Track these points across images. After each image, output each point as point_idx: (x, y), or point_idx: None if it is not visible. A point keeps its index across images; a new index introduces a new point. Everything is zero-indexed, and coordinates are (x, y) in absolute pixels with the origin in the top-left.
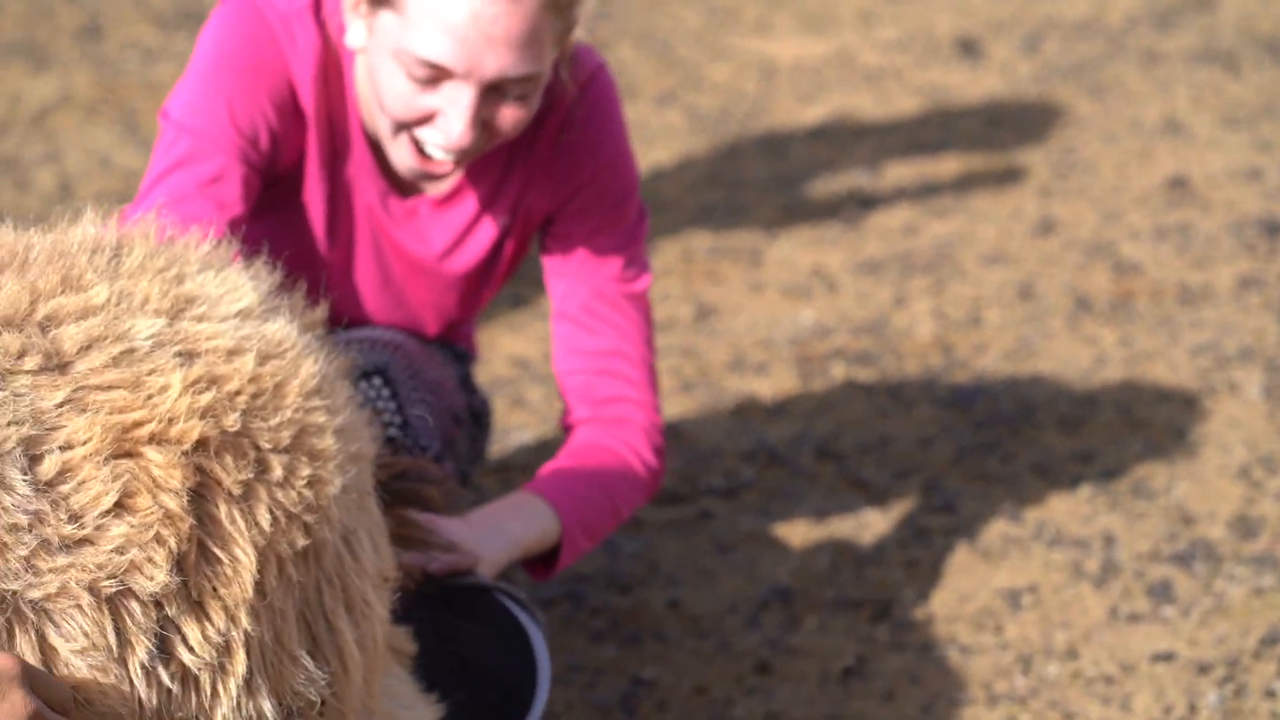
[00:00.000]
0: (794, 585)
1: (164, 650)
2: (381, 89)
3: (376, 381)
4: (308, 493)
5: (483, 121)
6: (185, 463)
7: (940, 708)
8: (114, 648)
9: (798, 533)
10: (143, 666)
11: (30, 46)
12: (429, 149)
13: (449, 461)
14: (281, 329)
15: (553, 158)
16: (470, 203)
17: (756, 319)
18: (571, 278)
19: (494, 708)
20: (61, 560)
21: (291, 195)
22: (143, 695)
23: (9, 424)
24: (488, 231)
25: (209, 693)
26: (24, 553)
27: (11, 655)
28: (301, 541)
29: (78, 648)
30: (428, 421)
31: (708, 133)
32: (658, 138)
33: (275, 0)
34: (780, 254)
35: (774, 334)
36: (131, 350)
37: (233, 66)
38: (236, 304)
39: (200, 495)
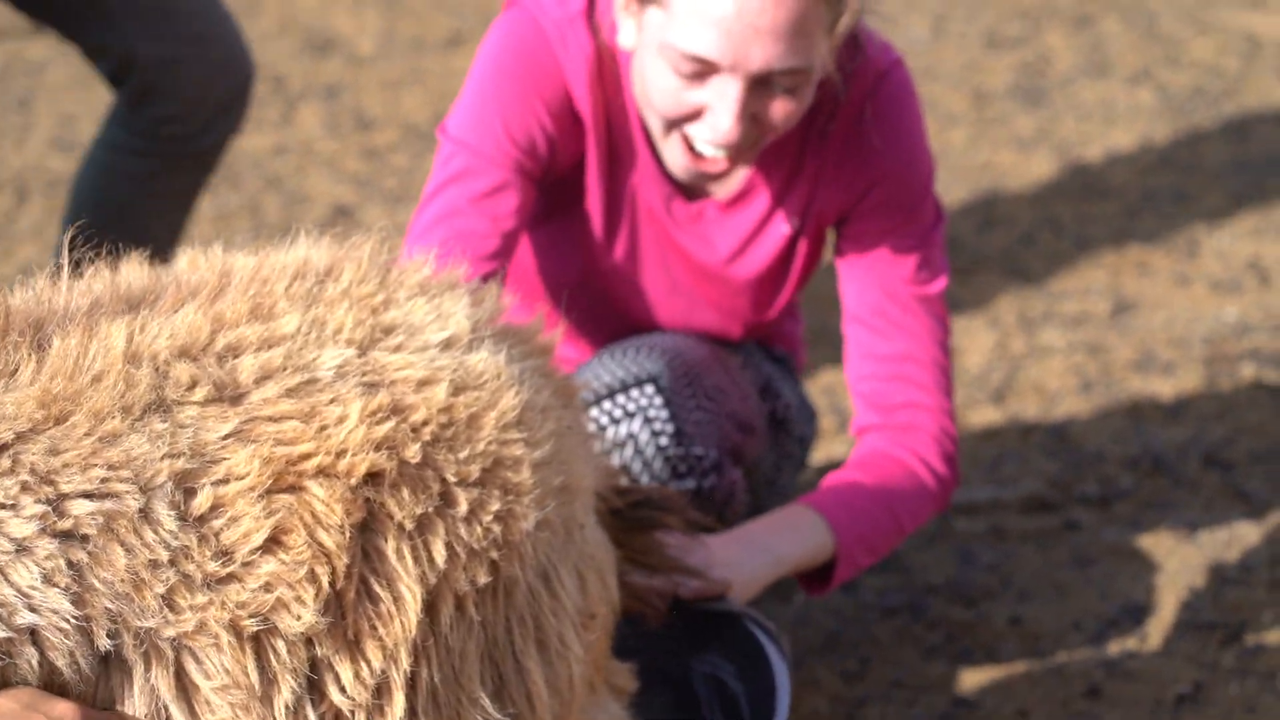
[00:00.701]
0: (1147, 604)
1: (313, 690)
2: (650, 86)
3: (649, 390)
4: (496, 528)
5: (752, 115)
6: (351, 497)
7: None
8: (257, 686)
9: (1163, 547)
10: (288, 706)
11: None
12: (700, 146)
13: (733, 469)
14: (485, 359)
15: (845, 156)
16: (759, 204)
17: (1176, 315)
18: (863, 280)
19: None
20: (202, 598)
21: (571, 202)
22: None
23: (163, 457)
24: (777, 233)
25: None
26: (161, 590)
27: (74, 705)
28: (484, 579)
29: (217, 685)
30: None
31: (1173, 113)
32: (1121, 118)
33: (549, 8)
34: (1218, 245)
35: (1190, 331)
36: (312, 381)
37: (507, 77)
38: (440, 333)
39: (368, 529)
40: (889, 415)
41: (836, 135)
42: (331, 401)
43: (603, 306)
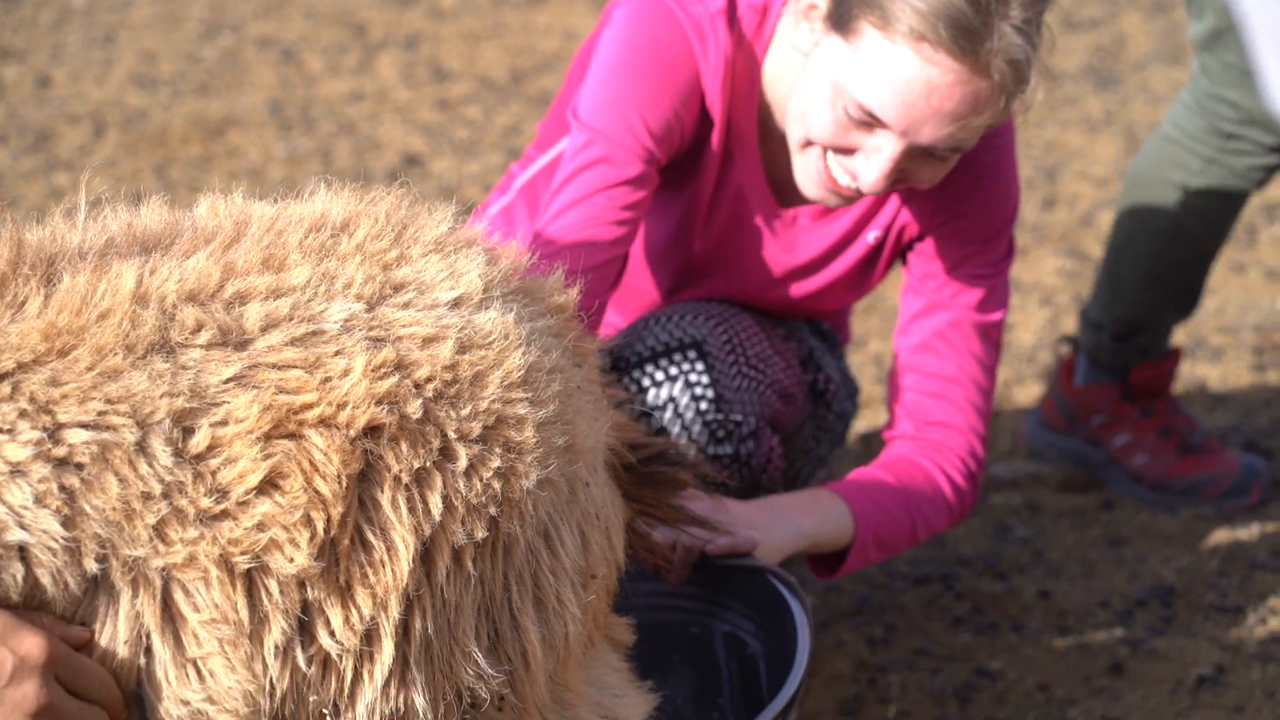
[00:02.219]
0: (1175, 585)
1: (303, 632)
2: (809, 108)
3: (691, 355)
4: (496, 484)
5: (901, 170)
6: (350, 448)
7: None
8: (246, 623)
9: (1198, 530)
10: (277, 645)
11: None
12: (837, 174)
13: (771, 437)
14: (494, 319)
15: (939, 182)
16: (848, 217)
17: (1228, 301)
18: (929, 299)
19: (760, 693)
20: (193, 532)
21: (679, 180)
22: (275, 674)
23: (163, 395)
24: (860, 246)
25: (349, 679)
26: (152, 521)
27: (44, 640)
28: (482, 533)
29: (205, 619)
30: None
31: None
32: None
33: (689, 1)
34: (1276, 234)
35: (1242, 319)
36: (318, 332)
37: (645, 70)
38: (450, 291)
39: (366, 479)
40: (923, 429)
41: None
42: (337, 354)
43: (673, 282)
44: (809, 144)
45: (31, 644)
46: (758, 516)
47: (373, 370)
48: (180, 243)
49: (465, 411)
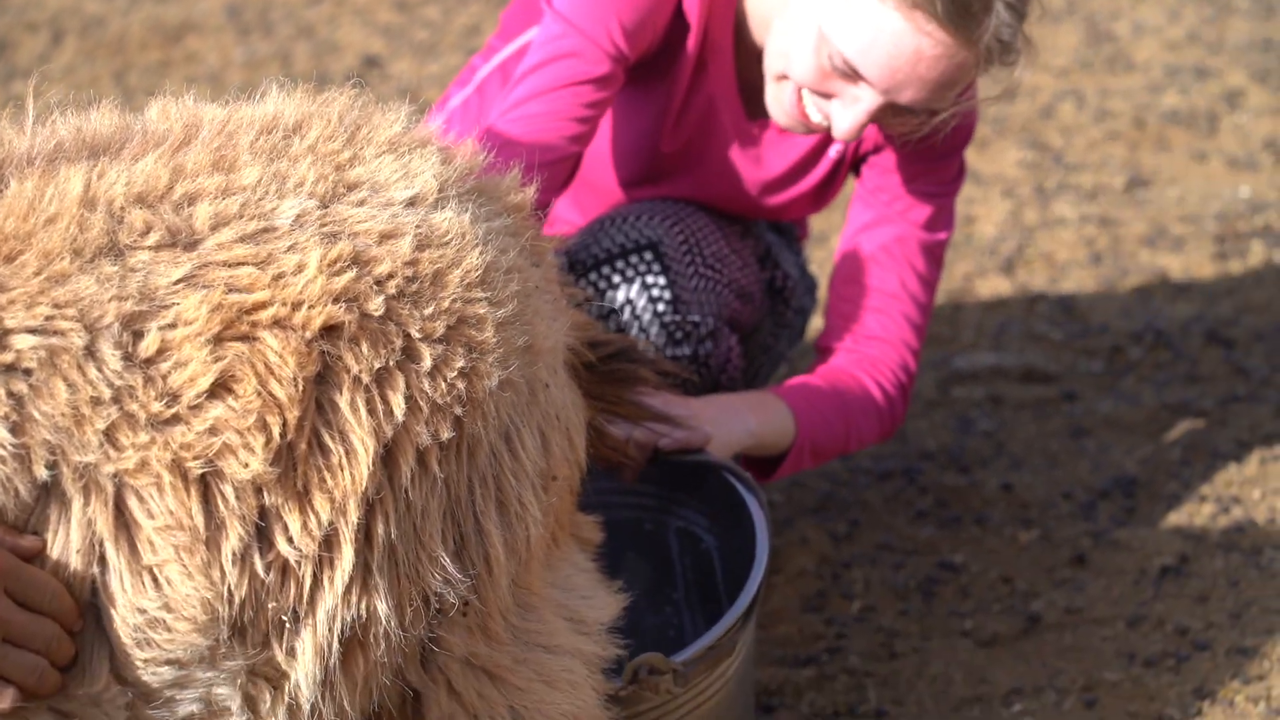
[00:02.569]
0: (1138, 476)
1: (261, 539)
2: (791, 48)
3: (648, 256)
4: (460, 384)
5: (874, 119)
6: (305, 350)
7: (1251, 615)
8: (201, 529)
9: (1159, 421)
10: (234, 552)
11: None
12: (810, 111)
13: (729, 336)
14: (450, 218)
15: None
16: (813, 136)
17: (1190, 190)
18: (878, 211)
19: (715, 588)
20: (144, 437)
21: (649, 82)
22: (233, 581)
23: (111, 299)
24: (824, 163)
25: (309, 586)
26: (102, 426)
27: None
28: (447, 434)
29: (160, 525)
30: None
31: None
32: None
33: None
34: (1238, 122)
35: (1204, 208)
36: (269, 229)
37: None
38: (405, 191)
39: (324, 381)
40: (860, 343)
41: None
42: (289, 249)
43: (633, 181)
44: (785, 77)
45: None
46: (710, 411)
47: (328, 265)
48: (130, 146)
49: (428, 311)
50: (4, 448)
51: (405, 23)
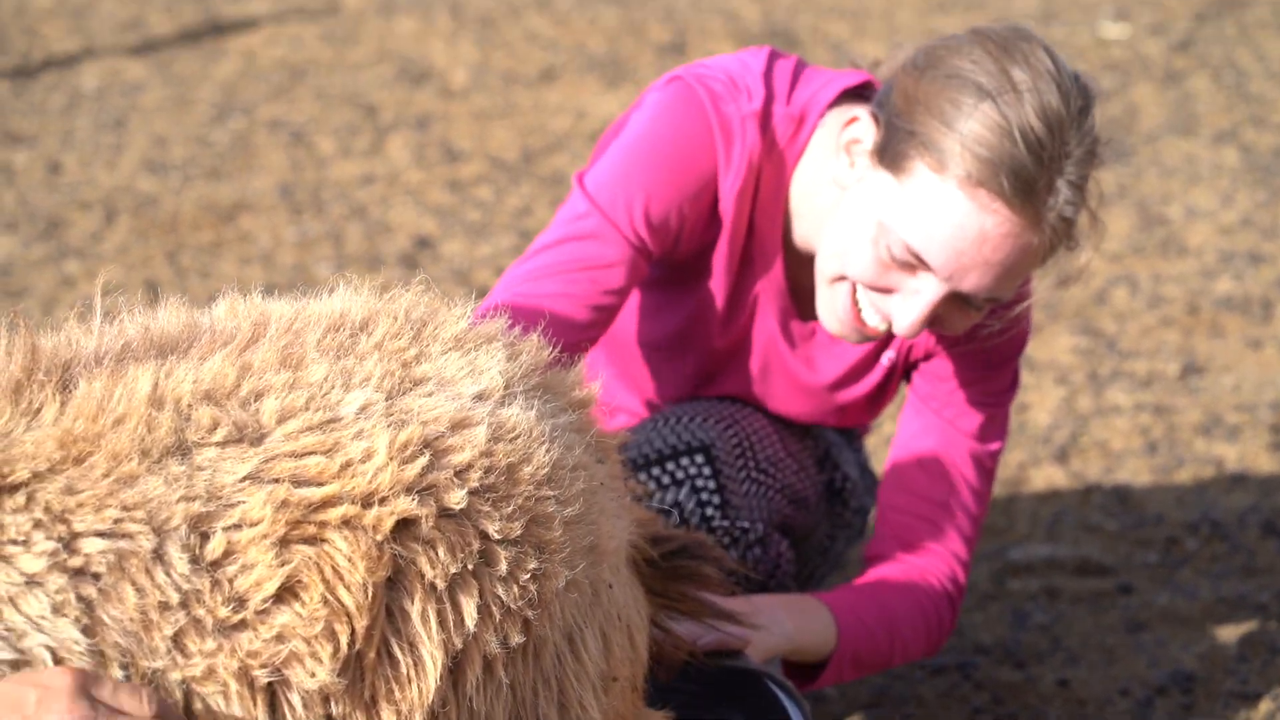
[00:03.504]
0: (1196, 671)
1: None
2: (848, 245)
3: (699, 459)
4: (531, 588)
5: (936, 316)
6: (376, 553)
7: None
8: None
9: (1216, 615)
10: None
11: (613, 61)
12: (868, 314)
13: (780, 542)
14: (518, 415)
15: None
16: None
17: (1245, 378)
18: (927, 419)
19: None
20: (211, 644)
21: (691, 279)
22: None
23: (179, 500)
24: (879, 367)
25: None
26: (170, 632)
27: (69, 668)
28: (516, 639)
29: None
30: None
31: (1257, 174)
32: (1204, 176)
33: (721, 97)
34: None
35: (1259, 396)
36: (335, 419)
37: (659, 161)
38: (473, 386)
39: (394, 586)
40: (910, 553)
41: None
42: (356, 435)
43: (690, 376)
44: (841, 279)
45: (56, 674)
46: (749, 614)
47: (399, 450)
48: (198, 345)
49: (507, 509)
50: (79, 645)
51: (457, 203)
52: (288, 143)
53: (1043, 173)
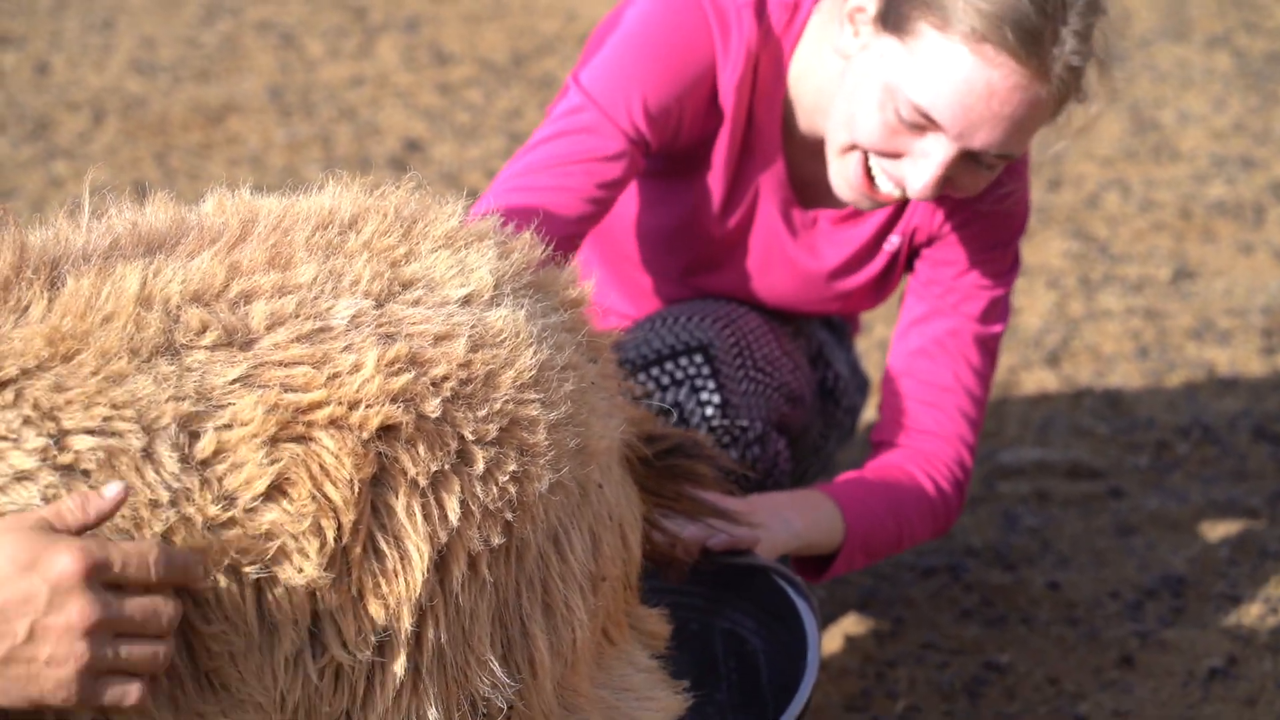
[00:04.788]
0: (1186, 575)
1: (314, 643)
2: (857, 111)
3: (698, 359)
4: (511, 489)
5: (948, 178)
6: (363, 451)
7: None
8: (256, 634)
9: (1206, 518)
10: (288, 657)
11: None
12: (880, 180)
13: (777, 440)
14: (505, 316)
15: None
16: (871, 222)
17: (1236, 283)
18: (932, 304)
19: (760, 691)
20: (201, 540)
21: (692, 170)
22: (285, 686)
23: (168, 399)
24: (882, 253)
25: (362, 690)
26: (160, 529)
27: (79, 547)
28: (498, 539)
29: (216, 630)
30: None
31: (1250, 79)
32: (1196, 81)
33: None
34: None
35: (1250, 301)
36: (325, 329)
37: (656, 52)
38: (461, 289)
39: (379, 483)
40: (913, 437)
41: None
42: (345, 349)
43: (685, 268)
44: (852, 148)
45: (63, 562)
46: (755, 513)
47: (385, 365)
48: (186, 242)
49: (482, 413)
50: None
51: (447, 106)
52: (276, 44)
53: (1046, 22)
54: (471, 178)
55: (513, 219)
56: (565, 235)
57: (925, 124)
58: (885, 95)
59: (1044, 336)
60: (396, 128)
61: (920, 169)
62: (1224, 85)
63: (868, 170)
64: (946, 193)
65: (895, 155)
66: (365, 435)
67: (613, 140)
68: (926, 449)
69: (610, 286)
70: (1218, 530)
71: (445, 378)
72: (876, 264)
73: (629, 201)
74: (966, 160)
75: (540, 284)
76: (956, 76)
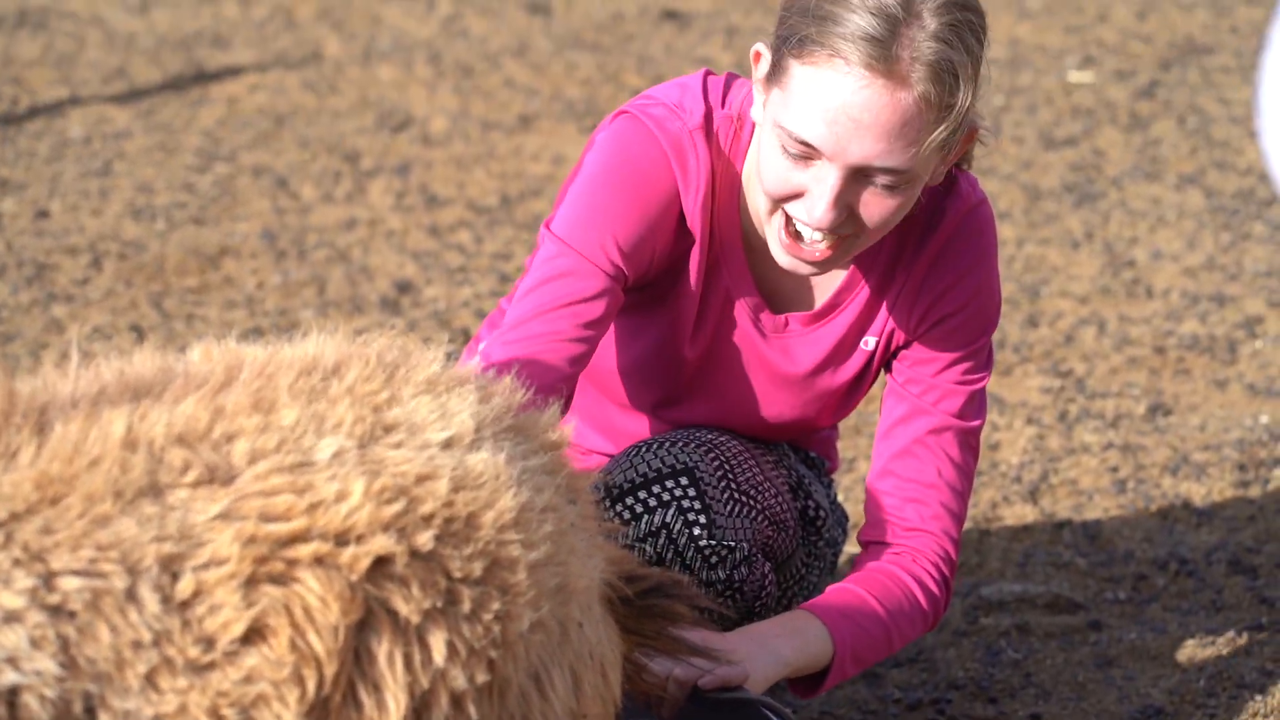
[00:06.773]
0: (1166, 706)
1: None
2: (763, 162)
3: (683, 481)
4: (495, 628)
5: (848, 206)
6: (350, 595)
7: None
8: None
9: (1185, 651)
10: None
11: (590, 108)
12: (798, 225)
13: (764, 563)
14: (485, 460)
15: (927, 284)
16: (842, 321)
17: (1211, 417)
18: (912, 404)
19: None
20: (183, 681)
21: (664, 294)
22: None
23: (151, 540)
24: (859, 352)
25: None
26: (143, 669)
27: None
28: (482, 678)
29: None
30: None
31: (1223, 217)
32: (1169, 220)
33: (665, 120)
34: (1258, 348)
35: (1224, 435)
36: (308, 463)
37: (621, 190)
38: (443, 432)
39: (364, 627)
40: (898, 536)
41: (923, 262)
42: (329, 479)
43: (660, 400)
44: (773, 207)
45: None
46: (742, 647)
47: (376, 493)
48: (172, 389)
49: (466, 551)
50: (50, 686)
51: (438, 248)
52: (271, 189)
53: (891, 27)
54: (462, 318)
55: (510, 370)
56: (561, 377)
57: (808, 151)
58: (775, 137)
59: (1023, 471)
60: (388, 269)
61: (816, 196)
62: (1196, 223)
63: (790, 228)
64: (859, 228)
65: (799, 195)
66: (354, 577)
67: (593, 280)
68: (912, 546)
69: (589, 428)
70: (1196, 661)
71: (432, 514)
72: (854, 363)
73: (605, 341)
74: (859, 181)
75: (520, 427)
76: (818, 96)
